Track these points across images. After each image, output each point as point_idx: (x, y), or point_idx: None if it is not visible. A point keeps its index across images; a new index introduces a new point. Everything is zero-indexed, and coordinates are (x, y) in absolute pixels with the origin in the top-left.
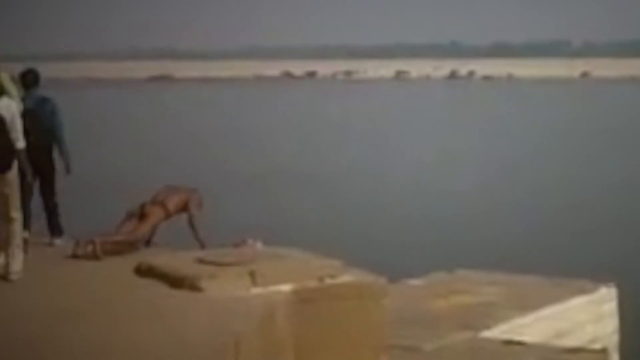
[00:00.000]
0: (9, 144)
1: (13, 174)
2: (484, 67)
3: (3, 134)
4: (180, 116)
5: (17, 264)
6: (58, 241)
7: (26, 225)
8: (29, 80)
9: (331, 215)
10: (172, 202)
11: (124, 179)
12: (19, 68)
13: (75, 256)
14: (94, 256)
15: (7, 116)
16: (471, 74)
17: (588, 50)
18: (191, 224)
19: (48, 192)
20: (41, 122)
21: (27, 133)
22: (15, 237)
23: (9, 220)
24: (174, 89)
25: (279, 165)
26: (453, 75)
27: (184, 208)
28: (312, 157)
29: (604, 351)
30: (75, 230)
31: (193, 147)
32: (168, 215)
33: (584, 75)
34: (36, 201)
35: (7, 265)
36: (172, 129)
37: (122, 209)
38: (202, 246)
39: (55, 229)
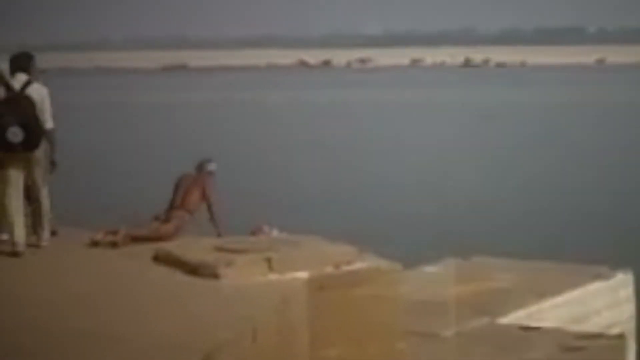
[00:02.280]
0: (39, 125)
1: (40, 152)
2: (497, 54)
3: (33, 116)
4: (191, 108)
5: (46, 233)
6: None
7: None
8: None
9: (341, 201)
10: (192, 202)
11: (131, 165)
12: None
13: (94, 244)
14: (114, 245)
15: (38, 99)
16: (485, 61)
17: (602, 37)
18: (210, 212)
19: None
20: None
21: None
22: (44, 210)
23: (37, 196)
24: (188, 78)
25: (289, 153)
26: (467, 62)
27: (202, 197)
28: (326, 146)
29: (621, 337)
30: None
31: (204, 136)
32: (191, 214)
33: (599, 61)
34: None
35: (36, 235)
36: (183, 117)
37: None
38: (220, 234)
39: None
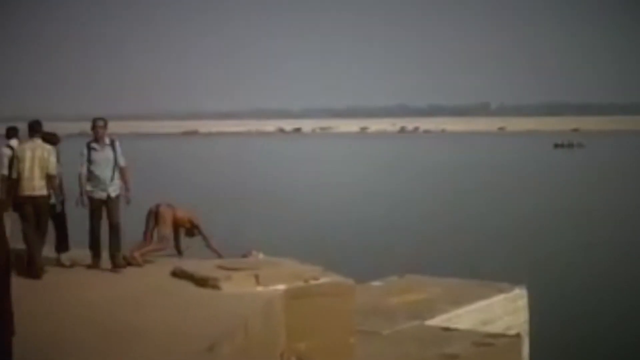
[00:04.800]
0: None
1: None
2: (424, 124)
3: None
4: (202, 161)
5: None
6: (63, 256)
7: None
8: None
9: (309, 232)
10: (179, 210)
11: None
12: (73, 127)
13: (116, 266)
14: (138, 265)
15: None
16: (416, 129)
17: (503, 111)
18: (204, 237)
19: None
20: None
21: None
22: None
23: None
24: (200, 140)
25: (271, 195)
26: (402, 130)
27: (191, 223)
28: (295, 189)
29: (518, 336)
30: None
31: (213, 181)
32: (176, 217)
33: (501, 129)
34: None
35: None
36: (192, 169)
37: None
38: (217, 252)
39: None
